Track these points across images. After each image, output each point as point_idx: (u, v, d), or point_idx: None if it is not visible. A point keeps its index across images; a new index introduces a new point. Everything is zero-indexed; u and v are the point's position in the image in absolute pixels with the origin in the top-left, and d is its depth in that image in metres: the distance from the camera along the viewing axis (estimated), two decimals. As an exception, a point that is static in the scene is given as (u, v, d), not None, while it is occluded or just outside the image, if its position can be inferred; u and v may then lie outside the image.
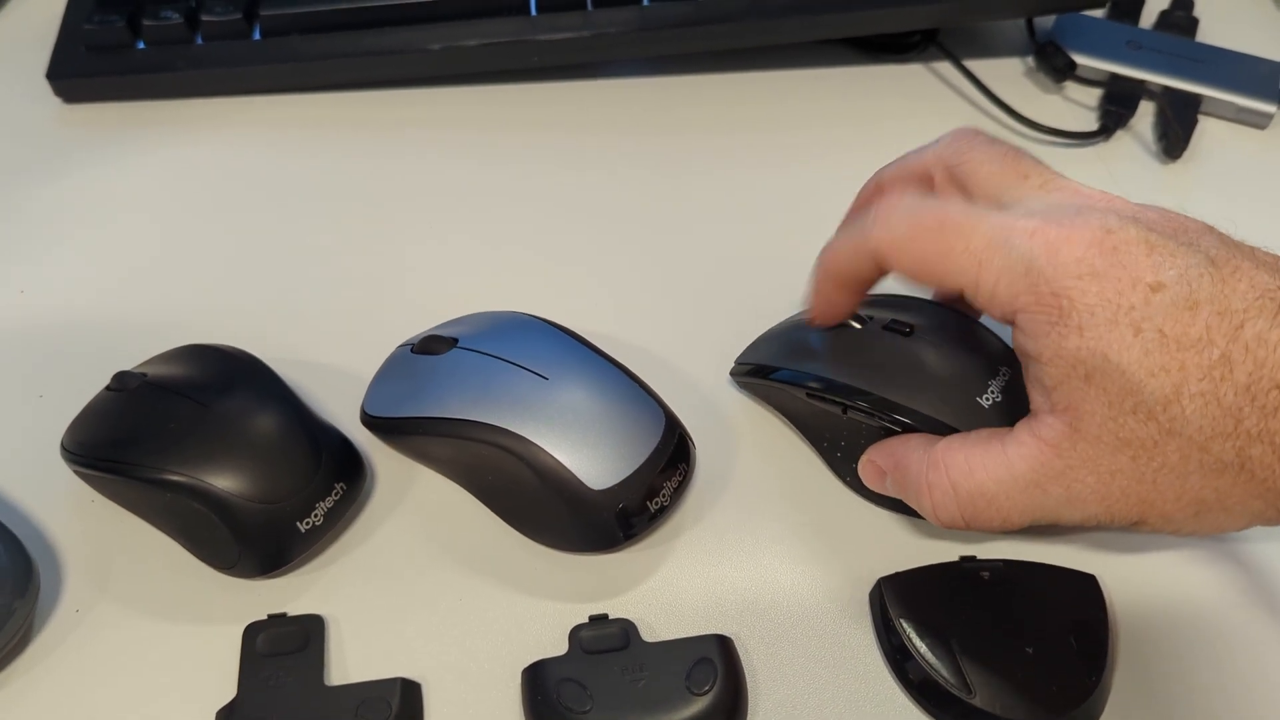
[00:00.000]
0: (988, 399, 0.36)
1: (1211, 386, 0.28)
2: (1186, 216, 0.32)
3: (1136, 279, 0.29)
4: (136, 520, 0.37)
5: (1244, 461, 0.29)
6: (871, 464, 0.36)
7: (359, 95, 0.53)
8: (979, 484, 0.32)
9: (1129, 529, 0.32)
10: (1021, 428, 0.32)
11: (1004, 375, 0.36)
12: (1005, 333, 0.39)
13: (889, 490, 0.36)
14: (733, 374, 0.41)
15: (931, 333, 0.37)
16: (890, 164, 0.38)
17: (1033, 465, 0.31)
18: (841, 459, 0.38)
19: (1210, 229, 0.31)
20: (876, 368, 0.37)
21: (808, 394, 0.38)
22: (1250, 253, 0.30)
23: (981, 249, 0.31)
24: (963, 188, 0.35)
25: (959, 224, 0.32)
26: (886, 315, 0.38)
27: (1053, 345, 0.30)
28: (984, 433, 0.33)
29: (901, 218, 0.33)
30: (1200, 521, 0.31)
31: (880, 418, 0.36)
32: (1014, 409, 0.36)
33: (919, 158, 0.37)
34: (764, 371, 0.40)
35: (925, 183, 0.37)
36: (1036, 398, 0.32)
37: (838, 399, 0.37)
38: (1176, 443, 0.29)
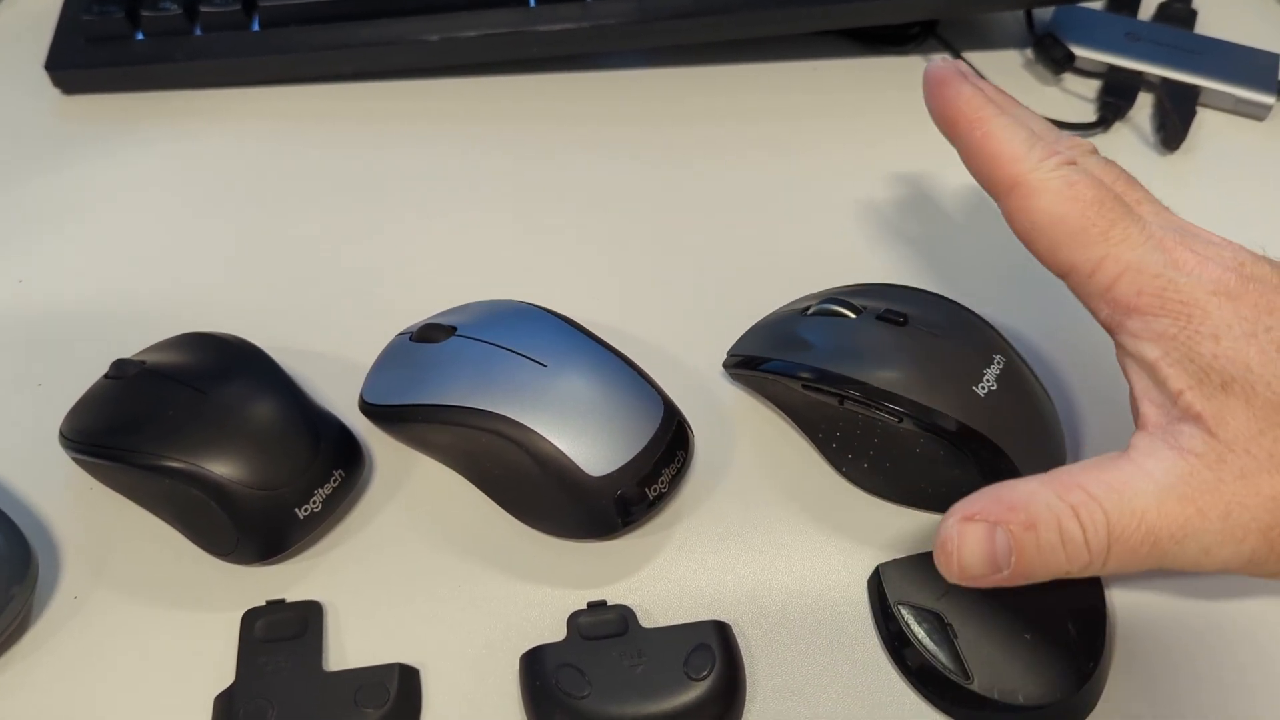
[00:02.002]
0: (983, 388, 0.36)
1: None
2: None
3: (1274, 307, 0.28)
4: (135, 507, 0.37)
5: None
6: (971, 521, 0.29)
7: (358, 86, 0.53)
8: (1129, 500, 0.28)
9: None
10: (1146, 442, 0.29)
11: (998, 363, 0.36)
12: (1000, 323, 0.40)
13: (999, 552, 0.29)
14: (725, 366, 0.41)
15: (925, 322, 0.37)
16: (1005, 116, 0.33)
17: (1180, 475, 0.28)
18: (837, 449, 0.38)
19: None
20: (870, 357, 0.37)
21: (802, 385, 0.38)
22: None
23: (1119, 240, 0.30)
24: None
25: (1109, 210, 0.31)
26: (880, 305, 0.38)
27: (1181, 349, 0.28)
28: (1102, 458, 0.29)
29: (1064, 175, 0.31)
30: None
31: (876, 408, 0.36)
32: (1009, 398, 0.36)
33: (1051, 132, 0.34)
34: (756, 362, 0.40)
35: None
36: (1151, 410, 0.30)
37: (832, 389, 0.37)
38: None
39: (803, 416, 0.39)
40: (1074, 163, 0.32)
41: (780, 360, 0.38)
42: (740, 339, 0.41)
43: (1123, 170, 0.34)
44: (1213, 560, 0.28)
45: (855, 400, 0.36)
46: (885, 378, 0.36)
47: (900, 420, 0.36)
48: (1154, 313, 0.29)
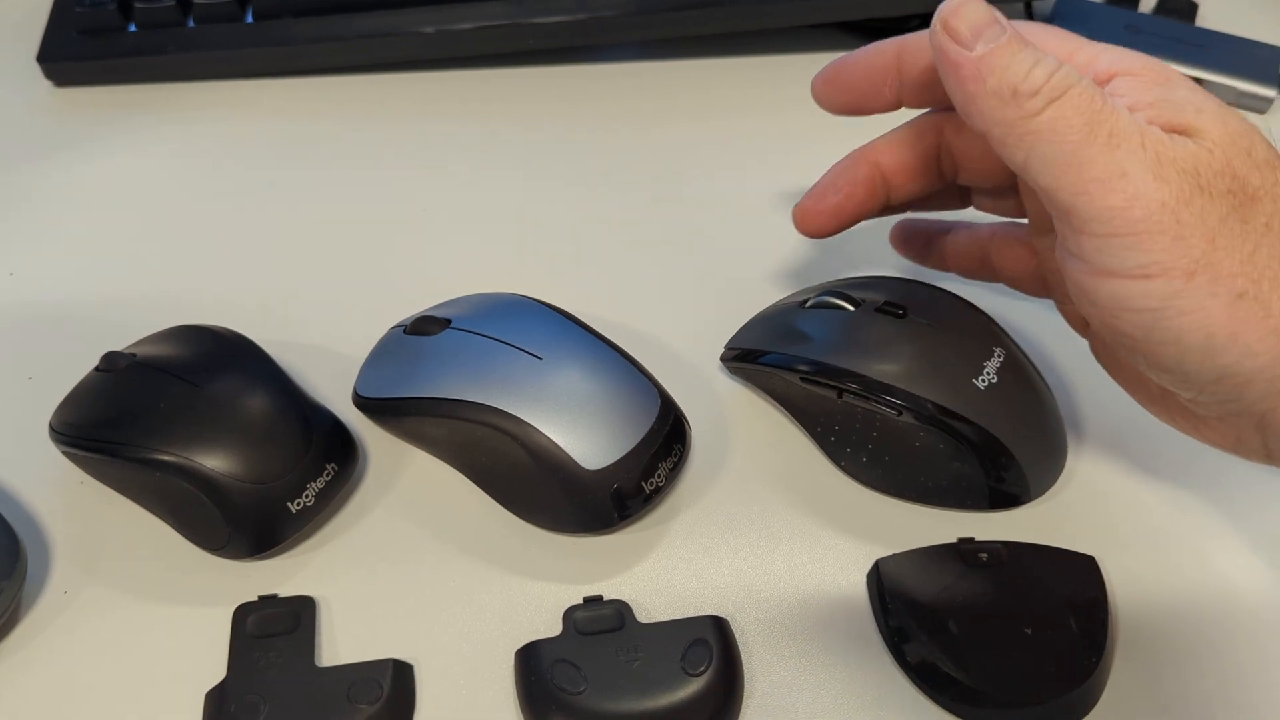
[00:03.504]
0: (983, 380, 0.35)
1: None
2: None
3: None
4: (126, 501, 0.37)
5: None
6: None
7: (352, 79, 0.53)
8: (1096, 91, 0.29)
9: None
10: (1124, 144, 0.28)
11: (998, 356, 0.36)
12: (1000, 315, 0.39)
13: (978, 51, 0.29)
14: (723, 359, 0.41)
15: (924, 314, 0.37)
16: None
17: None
18: (835, 443, 0.38)
19: None
20: (870, 350, 0.36)
21: (800, 378, 0.37)
22: None
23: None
24: None
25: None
26: (879, 297, 0.38)
27: (1163, 86, 0.30)
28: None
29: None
30: (1236, 308, 0.28)
31: (875, 401, 0.36)
32: (1009, 391, 0.36)
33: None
34: (754, 355, 0.39)
35: None
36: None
37: (831, 382, 0.36)
38: (1272, 207, 0.28)
39: (801, 410, 0.39)
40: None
41: (778, 353, 0.38)
42: (738, 332, 0.41)
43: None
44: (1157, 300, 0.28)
45: (854, 393, 0.36)
46: (884, 370, 0.36)
47: (899, 413, 0.35)
48: (1135, 70, 0.30)
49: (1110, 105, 0.28)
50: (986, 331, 0.37)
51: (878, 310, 0.37)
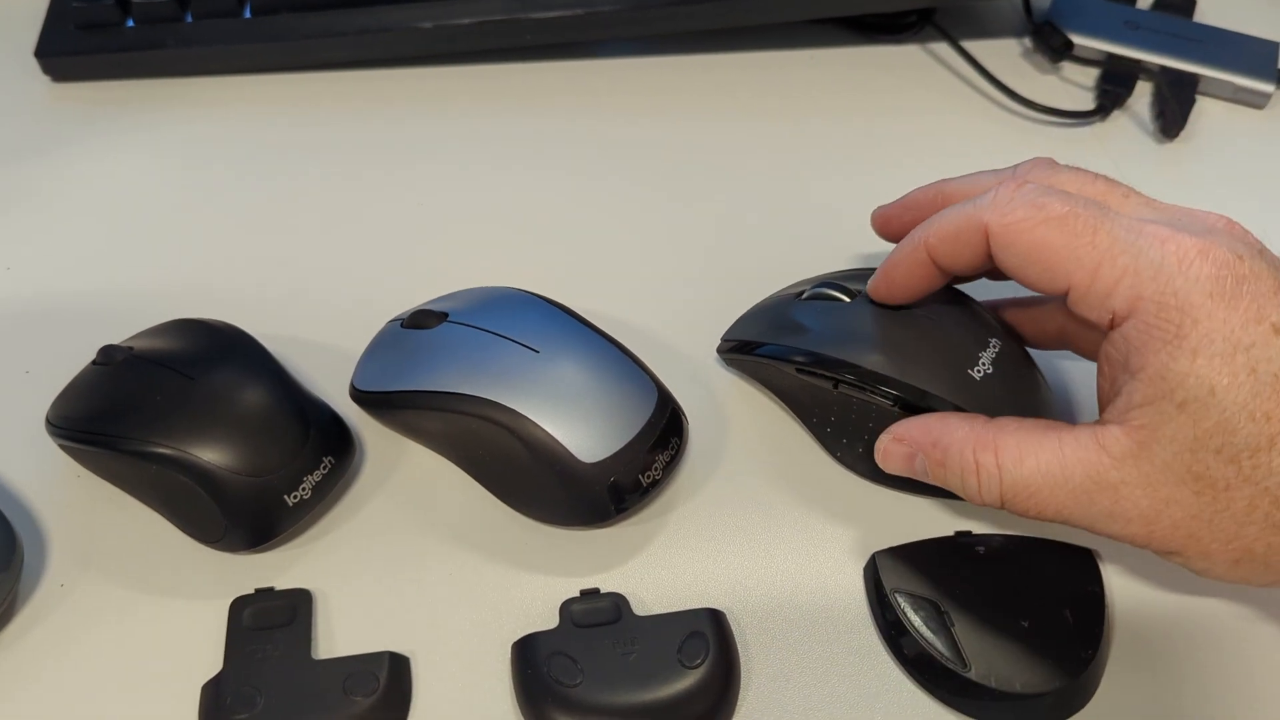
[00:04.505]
0: (979, 371, 0.35)
1: None
2: None
3: (1262, 316, 0.28)
4: (122, 494, 0.37)
5: None
6: (898, 444, 0.35)
7: (350, 74, 0.53)
8: (1027, 475, 0.31)
9: (1161, 556, 0.31)
10: (1085, 431, 0.31)
11: (994, 347, 0.36)
12: (995, 306, 0.39)
13: (917, 471, 0.34)
14: (719, 351, 0.41)
15: (920, 305, 0.37)
16: (959, 177, 0.37)
17: (1086, 473, 0.30)
18: (832, 434, 0.38)
19: None
20: (865, 341, 0.36)
21: (797, 369, 0.37)
22: None
23: (1108, 245, 0.30)
24: None
25: (1086, 217, 0.30)
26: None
27: (1160, 363, 0.29)
28: (1041, 423, 0.32)
29: (1026, 201, 0.31)
30: (1236, 569, 0.30)
31: (871, 391, 0.36)
32: (1005, 382, 0.36)
33: (996, 175, 0.36)
34: (750, 347, 0.39)
35: None
36: (1110, 406, 0.31)
37: (827, 373, 0.36)
38: (1249, 491, 0.28)
39: (797, 401, 0.39)
40: (1029, 182, 0.32)
41: (775, 344, 0.38)
42: (734, 324, 0.41)
43: (1093, 173, 0.34)
44: (1095, 533, 0.31)
45: (850, 384, 0.36)
46: (880, 361, 0.36)
47: (895, 404, 0.35)
48: (1149, 319, 0.29)
49: None
50: (981, 322, 0.37)
51: (873, 301, 0.37)
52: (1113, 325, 0.31)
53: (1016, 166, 0.35)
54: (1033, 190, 0.32)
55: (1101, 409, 0.32)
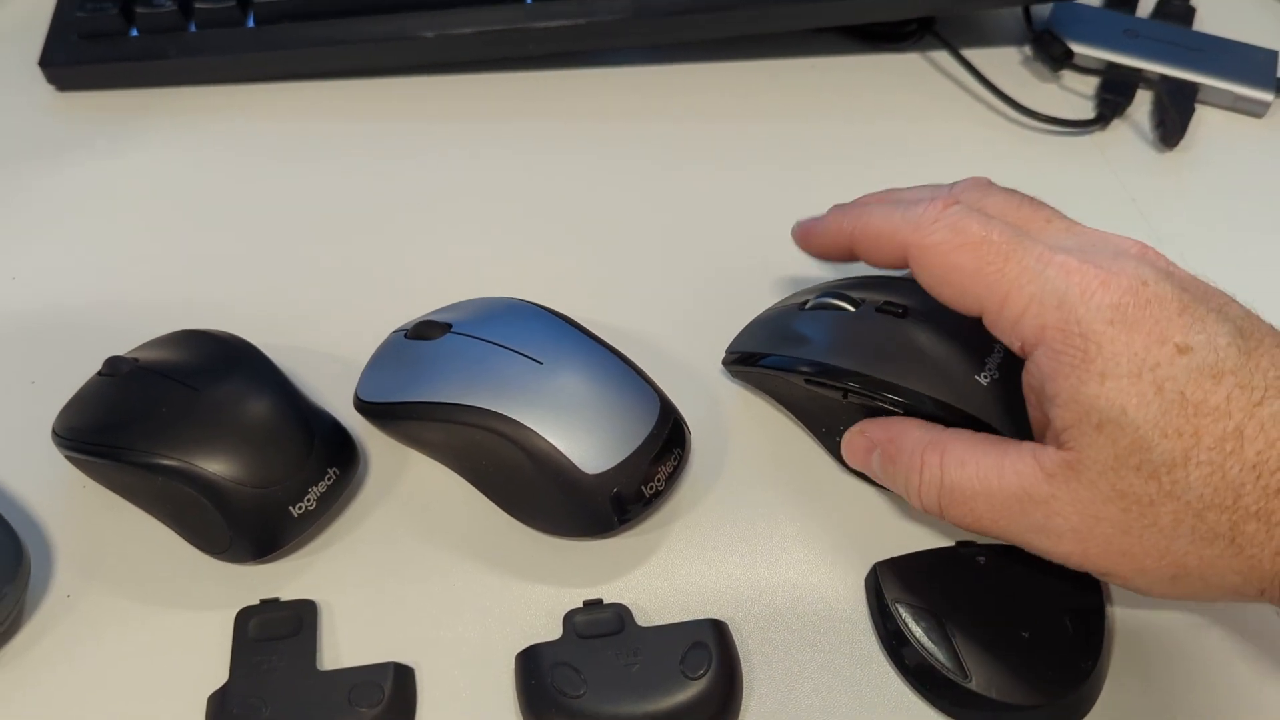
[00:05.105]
0: (986, 376, 0.35)
1: (1220, 457, 0.28)
2: (1212, 284, 0.31)
3: (1165, 337, 0.29)
4: (128, 506, 0.37)
5: (1235, 535, 0.28)
6: (861, 438, 0.36)
7: (353, 83, 0.53)
8: (966, 479, 0.32)
9: (1099, 576, 0.31)
10: (1026, 447, 0.31)
11: (1000, 351, 0.36)
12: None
13: (872, 467, 0.36)
14: (724, 363, 0.41)
15: (925, 313, 0.37)
16: (906, 188, 0.38)
17: (1020, 484, 0.31)
18: (840, 444, 0.38)
19: (1234, 299, 0.31)
20: (872, 350, 0.36)
21: (804, 379, 0.37)
22: (1272, 330, 0.30)
23: (1016, 275, 0.31)
24: None
25: (1000, 244, 0.31)
26: (879, 297, 0.38)
27: (1070, 388, 0.30)
28: (993, 438, 0.33)
29: (947, 225, 0.32)
30: (1174, 585, 0.30)
31: (880, 400, 0.36)
32: (1014, 385, 0.35)
33: (933, 190, 0.36)
34: (755, 358, 0.39)
35: None
36: (1039, 427, 0.32)
37: (836, 383, 0.37)
38: (1173, 506, 0.29)
39: (805, 411, 0.39)
40: (957, 203, 0.33)
41: (780, 355, 0.38)
42: (738, 336, 0.41)
43: (1022, 196, 0.35)
44: (1032, 550, 0.32)
45: (858, 393, 0.36)
46: (887, 369, 0.36)
47: (904, 411, 0.35)
48: (1055, 346, 0.30)
49: None
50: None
51: (878, 310, 0.37)
52: (1024, 352, 0.31)
53: (953, 185, 0.36)
54: (956, 213, 0.32)
55: (1035, 432, 0.33)
